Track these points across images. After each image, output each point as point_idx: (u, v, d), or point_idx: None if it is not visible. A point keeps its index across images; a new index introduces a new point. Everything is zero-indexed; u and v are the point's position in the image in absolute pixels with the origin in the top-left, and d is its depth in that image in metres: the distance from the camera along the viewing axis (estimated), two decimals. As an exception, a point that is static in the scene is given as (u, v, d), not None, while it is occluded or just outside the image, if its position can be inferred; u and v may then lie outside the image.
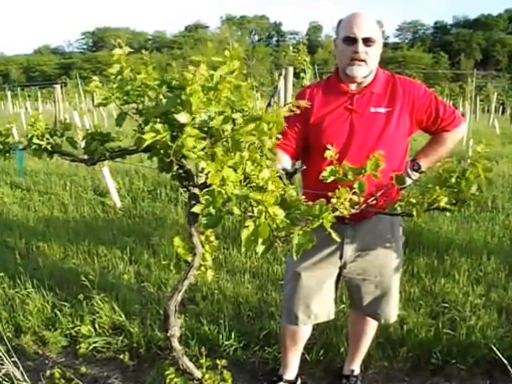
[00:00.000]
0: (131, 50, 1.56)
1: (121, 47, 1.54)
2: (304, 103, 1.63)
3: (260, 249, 1.39)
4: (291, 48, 7.37)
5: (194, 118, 1.39)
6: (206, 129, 1.41)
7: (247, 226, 1.36)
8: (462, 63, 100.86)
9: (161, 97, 1.51)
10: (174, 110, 1.40)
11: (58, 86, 10.12)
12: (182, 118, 1.37)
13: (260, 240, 1.37)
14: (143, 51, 1.57)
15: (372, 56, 2.43)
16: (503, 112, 40.27)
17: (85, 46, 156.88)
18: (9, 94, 36.62)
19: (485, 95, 38.81)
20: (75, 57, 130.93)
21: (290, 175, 2.19)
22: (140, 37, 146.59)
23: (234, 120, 1.45)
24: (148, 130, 1.40)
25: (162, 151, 1.44)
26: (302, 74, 7.25)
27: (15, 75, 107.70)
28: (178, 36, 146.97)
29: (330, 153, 1.84)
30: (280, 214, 1.38)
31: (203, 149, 1.41)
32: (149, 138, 1.38)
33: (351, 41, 2.40)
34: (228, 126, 1.42)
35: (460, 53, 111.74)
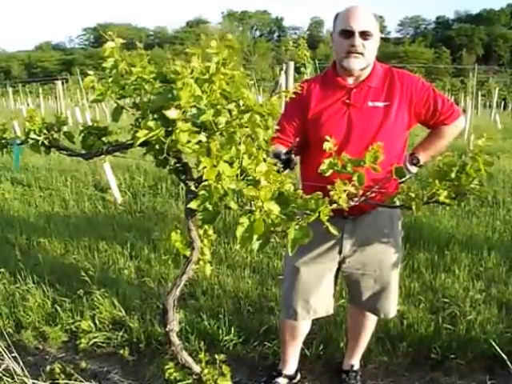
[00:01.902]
0: (125, 41, 1.55)
1: (113, 40, 1.53)
2: (299, 89, 1.63)
3: (255, 245, 1.38)
4: (291, 42, 7.35)
5: (184, 113, 1.38)
6: (199, 123, 1.41)
7: (242, 223, 1.36)
8: (463, 58, 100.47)
9: (154, 92, 1.51)
10: (166, 105, 1.39)
11: (59, 82, 10.09)
12: (172, 113, 1.37)
13: (255, 236, 1.36)
14: (137, 43, 1.56)
15: (369, 49, 2.42)
16: (505, 107, 40.21)
17: (86, 42, 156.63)
18: (10, 90, 36.61)
19: (486, 90, 38.67)
20: (76, 53, 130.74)
21: (285, 158, 2.18)
22: (141, 32, 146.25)
23: (230, 111, 1.44)
24: (142, 126, 1.40)
25: (157, 146, 1.44)
26: (302, 69, 7.23)
27: (17, 71, 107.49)
28: (180, 31, 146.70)
29: (329, 144, 1.83)
30: (275, 209, 1.37)
31: (199, 142, 1.41)
32: (142, 135, 1.38)
33: (348, 34, 2.39)
34: (222, 119, 1.41)
35: (462, 48, 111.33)
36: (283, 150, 2.38)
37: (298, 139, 2.29)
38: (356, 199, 1.71)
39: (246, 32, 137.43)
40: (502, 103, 39.88)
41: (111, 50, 1.52)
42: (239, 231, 1.35)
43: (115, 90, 1.54)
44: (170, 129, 1.40)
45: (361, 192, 1.73)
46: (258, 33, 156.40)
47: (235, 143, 1.42)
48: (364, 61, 2.43)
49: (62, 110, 10.01)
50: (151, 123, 1.39)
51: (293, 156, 2.22)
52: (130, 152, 1.88)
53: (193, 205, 1.37)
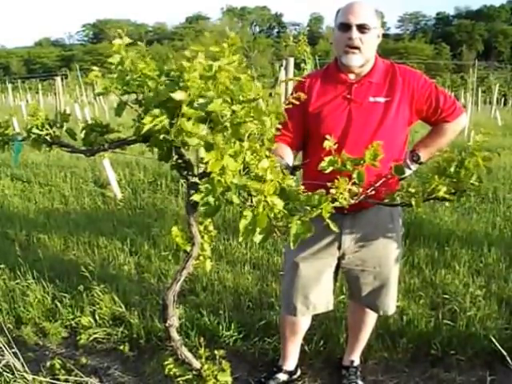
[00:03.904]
0: (130, 41, 1.55)
1: (121, 37, 1.53)
2: (303, 96, 1.63)
3: (258, 238, 1.38)
4: (291, 38, 7.34)
5: (191, 102, 1.39)
6: (204, 113, 1.41)
7: (245, 216, 1.36)
8: (463, 54, 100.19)
9: (160, 87, 1.51)
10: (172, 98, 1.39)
11: (58, 79, 10.07)
12: (178, 95, 1.37)
13: (258, 229, 1.37)
14: (139, 43, 1.57)
15: (367, 44, 2.40)
16: (505, 103, 40.18)
17: (85, 38, 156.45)
18: (9, 86, 36.61)
19: (486, 86, 38.65)
20: (76, 49, 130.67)
21: (291, 171, 2.20)
22: (141, 28, 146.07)
23: (234, 112, 1.44)
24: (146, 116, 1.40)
25: (161, 138, 1.44)
26: (302, 65, 7.22)
27: (16, 68, 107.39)
28: (179, 27, 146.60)
29: (329, 143, 1.83)
30: (278, 203, 1.38)
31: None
32: (148, 122, 1.38)
33: (346, 27, 2.39)
34: (227, 112, 1.41)
35: (462, 44, 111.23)
36: (286, 149, 2.45)
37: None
38: (356, 197, 1.70)
39: (245, 28, 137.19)
40: (503, 99, 39.85)
41: (119, 47, 1.53)
42: (242, 224, 1.35)
43: (119, 86, 1.54)
44: (173, 121, 1.40)
45: (361, 190, 1.73)
46: (257, 29, 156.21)
47: (240, 136, 1.42)
48: (362, 57, 2.42)
49: (62, 106, 9.99)
50: (156, 111, 1.39)
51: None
52: (130, 148, 1.88)
53: (196, 197, 1.37)
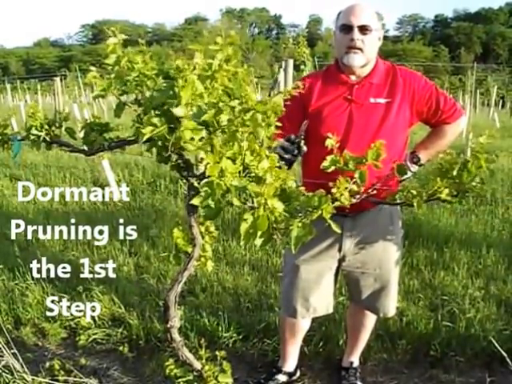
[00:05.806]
0: (125, 38, 1.55)
1: (115, 36, 1.53)
2: (301, 85, 1.62)
3: (259, 242, 1.38)
4: (291, 40, 7.36)
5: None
6: (200, 121, 1.41)
7: (246, 219, 1.35)
8: (462, 57, 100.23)
9: (155, 93, 1.51)
10: (169, 102, 1.39)
11: (57, 79, 10.09)
12: (179, 111, 1.37)
13: (259, 233, 1.36)
14: (139, 40, 1.56)
15: (368, 45, 2.42)
16: (503, 105, 40.15)
17: (84, 39, 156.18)
18: (8, 86, 36.54)
19: (485, 89, 38.68)
20: (75, 49, 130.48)
21: (294, 145, 2.20)
22: (140, 29, 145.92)
23: (233, 108, 1.44)
24: (145, 123, 1.39)
25: (160, 143, 1.44)
26: (301, 67, 7.24)
27: (15, 68, 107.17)
28: (178, 28, 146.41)
29: (331, 141, 1.83)
30: (279, 206, 1.37)
31: (201, 139, 1.41)
32: (147, 132, 1.38)
33: (347, 29, 2.40)
34: (223, 117, 1.41)
35: (460, 46, 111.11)
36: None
37: (306, 121, 2.32)
38: (358, 197, 1.70)
39: (244, 29, 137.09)
40: (500, 102, 39.83)
41: (114, 47, 1.52)
42: (243, 227, 1.35)
43: (117, 86, 1.53)
44: (172, 125, 1.39)
45: (362, 189, 1.73)
46: (256, 30, 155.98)
47: (237, 140, 1.41)
48: (363, 57, 2.43)
49: (61, 106, 9.99)
50: (155, 120, 1.39)
51: (303, 142, 2.24)
52: (129, 149, 1.88)
53: (195, 201, 1.37)
